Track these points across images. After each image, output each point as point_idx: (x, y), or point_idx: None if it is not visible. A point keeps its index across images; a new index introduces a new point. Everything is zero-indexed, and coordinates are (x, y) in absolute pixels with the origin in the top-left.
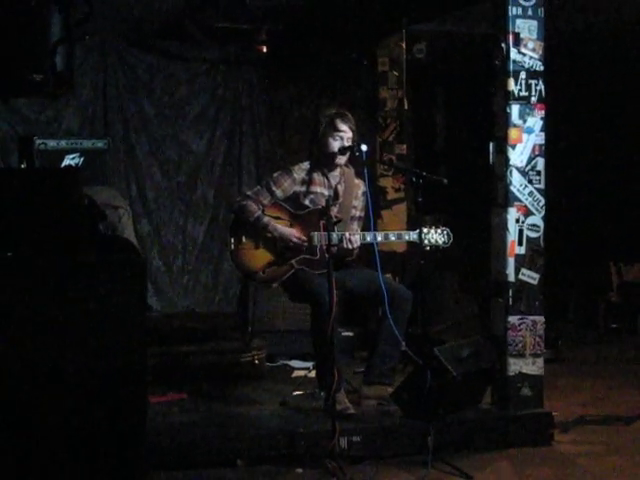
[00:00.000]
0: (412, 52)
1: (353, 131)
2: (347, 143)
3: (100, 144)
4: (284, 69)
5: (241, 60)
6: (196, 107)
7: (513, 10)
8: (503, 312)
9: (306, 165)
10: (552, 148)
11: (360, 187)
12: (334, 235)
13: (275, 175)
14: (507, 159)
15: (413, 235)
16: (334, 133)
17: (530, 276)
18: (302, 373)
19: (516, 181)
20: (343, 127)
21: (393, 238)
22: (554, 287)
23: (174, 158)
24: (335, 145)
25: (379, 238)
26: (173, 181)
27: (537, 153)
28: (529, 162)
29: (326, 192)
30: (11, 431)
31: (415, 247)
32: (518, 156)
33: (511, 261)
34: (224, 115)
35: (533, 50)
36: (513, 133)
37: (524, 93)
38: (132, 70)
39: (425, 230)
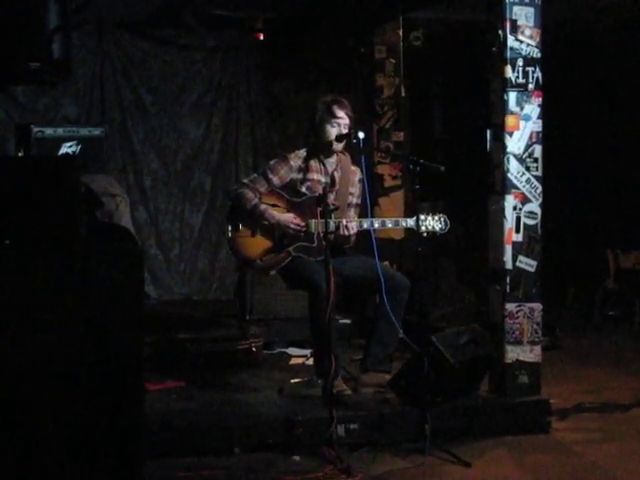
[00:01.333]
0: (409, 39)
1: (350, 117)
2: (344, 129)
3: (97, 132)
4: (281, 56)
5: (238, 48)
6: (193, 95)
7: None
8: (500, 299)
9: (303, 152)
10: (549, 135)
11: (357, 174)
12: (331, 222)
13: (272, 163)
14: (504, 146)
15: (410, 222)
16: (331, 120)
17: (527, 263)
18: (300, 360)
19: (513, 168)
20: (340, 113)
21: (390, 225)
22: (551, 274)
23: (171, 146)
24: (332, 132)
25: (376, 225)
26: (170, 169)
27: (534, 140)
28: (526, 149)
29: (323, 179)
30: (6, 420)
31: (412, 234)
32: (515, 143)
33: (508, 248)
34: (221, 103)
35: (530, 37)
36: (510, 120)
37: (521, 80)
38: (129, 58)
39: (422, 217)
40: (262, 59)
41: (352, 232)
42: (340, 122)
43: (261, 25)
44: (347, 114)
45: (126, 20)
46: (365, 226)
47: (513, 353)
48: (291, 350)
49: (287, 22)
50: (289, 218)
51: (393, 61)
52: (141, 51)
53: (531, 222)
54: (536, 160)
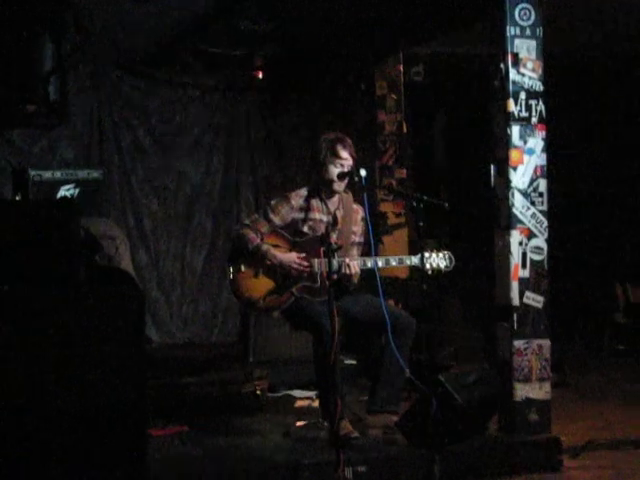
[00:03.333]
0: (410, 74)
1: (353, 158)
2: (347, 170)
3: (95, 174)
4: (280, 94)
5: (236, 86)
6: (192, 135)
7: (511, 30)
8: (508, 337)
9: (304, 191)
10: (556, 166)
11: (359, 212)
12: (334, 262)
13: (272, 202)
14: (508, 181)
15: (414, 259)
16: (335, 160)
17: (535, 299)
18: (305, 403)
19: (518, 203)
20: (344, 154)
21: (394, 263)
22: (559, 309)
23: (171, 187)
24: (335, 172)
25: (380, 263)
26: (170, 210)
27: (539, 174)
28: (531, 184)
29: (325, 218)
30: (9, 464)
31: (418, 272)
32: (520, 178)
33: (515, 284)
34: (220, 142)
35: (532, 70)
36: (514, 154)
37: (524, 114)
38: (126, 98)
39: (427, 254)
40: (261, 97)
41: (354, 271)
42: (344, 163)
43: (260, 63)
44: (351, 154)
45: (122, 60)
46: (369, 265)
47: (522, 391)
48: (296, 392)
49: (286, 59)
50: (292, 258)
51: (394, 97)
52: (138, 91)
53: (537, 257)
54: (541, 194)
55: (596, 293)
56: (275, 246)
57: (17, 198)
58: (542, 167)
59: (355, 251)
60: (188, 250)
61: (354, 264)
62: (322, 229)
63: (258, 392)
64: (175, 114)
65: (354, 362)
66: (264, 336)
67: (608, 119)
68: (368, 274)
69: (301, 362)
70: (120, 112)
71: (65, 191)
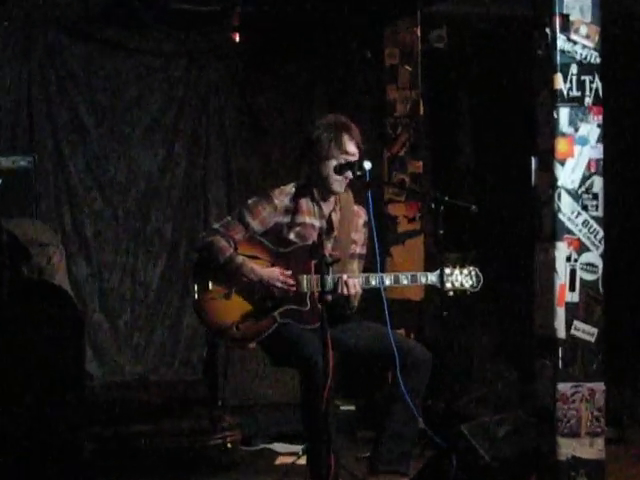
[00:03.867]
0: (429, 40)
1: (360, 150)
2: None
3: (23, 162)
4: (263, 63)
5: (207, 52)
6: (148, 113)
7: None
8: (551, 378)
9: (291, 188)
10: (611, 163)
11: (361, 216)
12: (328, 279)
13: (250, 202)
14: (554, 179)
15: (432, 277)
16: (339, 154)
17: (585, 331)
18: (289, 460)
19: (566, 207)
20: (351, 148)
21: (406, 281)
22: (617, 344)
23: (120, 180)
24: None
25: (387, 281)
26: (119, 210)
27: (593, 170)
28: (583, 182)
29: (317, 223)
30: None
31: (436, 293)
32: (568, 175)
33: (561, 311)
34: (185, 123)
35: (587, 37)
36: (562, 145)
37: (576, 93)
38: (65, 65)
39: (447, 271)
40: (238, 66)
41: (353, 291)
42: (350, 159)
43: (237, 23)
44: (358, 146)
45: (62, 17)
46: (373, 283)
47: (568, 448)
48: (277, 446)
49: (271, 19)
50: (274, 274)
51: (409, 68)
52: (81, 57)
53: (590, 277)
54: (595, 196)
55: None
56: (253, 258)
57: None
58: (597, 161)
59: (355, 265)
60: (141, 261)
61: (354, 282)
62: (313, 237)
63: (228, 445)
64: (127, 87)
65: (353, 408)
66: (237, 373)
67: None
68: (372, 295)
69: (284, 407)
70: (57, 84)
71: None
